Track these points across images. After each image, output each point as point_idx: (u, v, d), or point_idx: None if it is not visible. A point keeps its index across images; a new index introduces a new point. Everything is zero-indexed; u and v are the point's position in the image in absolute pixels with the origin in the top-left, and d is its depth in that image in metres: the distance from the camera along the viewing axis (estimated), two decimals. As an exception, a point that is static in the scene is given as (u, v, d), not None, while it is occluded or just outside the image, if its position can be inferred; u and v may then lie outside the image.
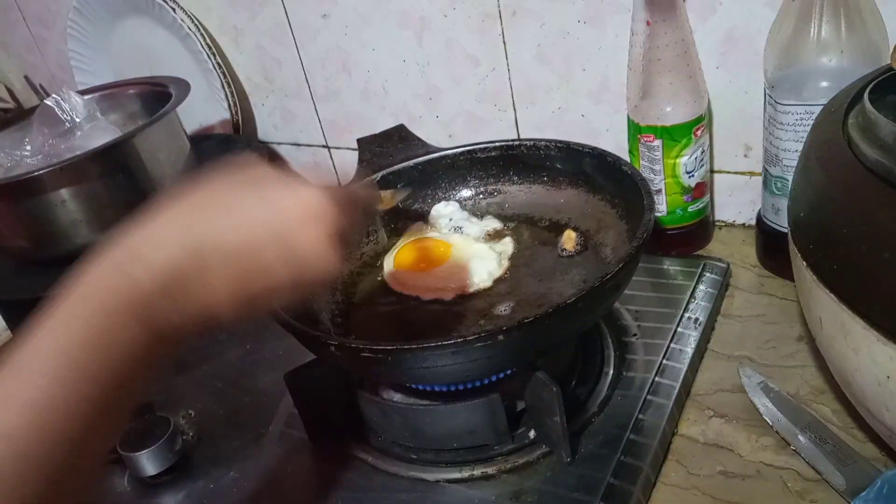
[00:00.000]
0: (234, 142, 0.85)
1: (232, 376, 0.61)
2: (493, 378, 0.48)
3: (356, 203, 0.41)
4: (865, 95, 0.39)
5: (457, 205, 0.64)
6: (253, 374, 0.61)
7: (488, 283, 0.56)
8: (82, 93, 0.82)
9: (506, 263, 0.58)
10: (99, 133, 0.76)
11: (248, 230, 0.35)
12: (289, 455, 0.52)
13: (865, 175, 0.35)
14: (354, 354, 0.43)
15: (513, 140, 0.62)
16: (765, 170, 0.57)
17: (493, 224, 0.62)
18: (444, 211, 0.63)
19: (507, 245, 0.59)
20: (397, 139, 0.66)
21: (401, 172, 0.64)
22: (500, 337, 0.40)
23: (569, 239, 0.56)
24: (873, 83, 0.42)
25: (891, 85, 0.41)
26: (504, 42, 0.70)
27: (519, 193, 0.63)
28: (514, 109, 0.74)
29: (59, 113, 0.77)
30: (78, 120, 0.77)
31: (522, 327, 0.40)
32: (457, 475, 0.47)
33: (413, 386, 0.50)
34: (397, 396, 0.50)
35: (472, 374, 0.45)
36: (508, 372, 0.48)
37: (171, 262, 0.33)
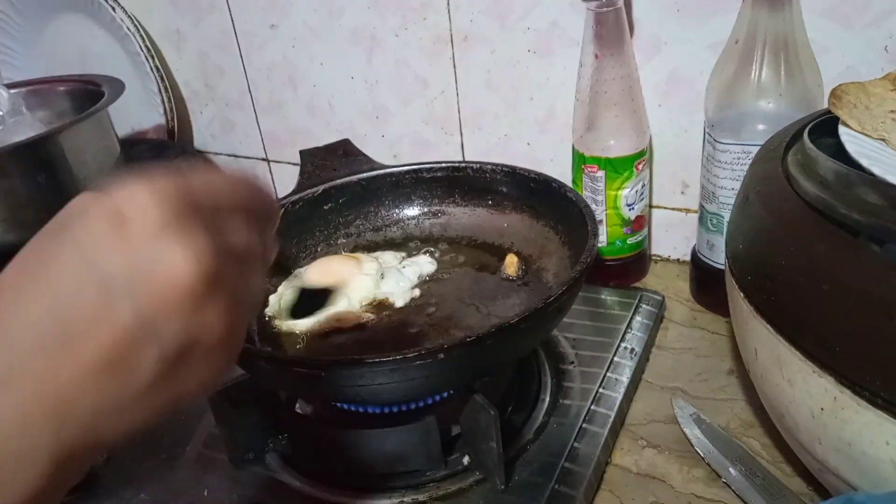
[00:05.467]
0: (168, 148, 0.82)
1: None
2: (429, 401, 0.47)
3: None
4: (805, 134, 0.41)
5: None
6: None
7: (417, 300, 0.54)
8: (9, 86, 0.77)
9: (430, 283, 0.56)
10: (23, 129, 0.71)
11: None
12: (206, 477, 0.49)
13: (805, 210, 0.36)
14: (286, 369, 0.41)
15: (459, 162, 0.62)
16: (701, 206, 0.58)
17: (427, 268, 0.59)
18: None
19: (433, 264, 0.59)
20: (342, 153, 0.64)
21: (343, 187, 0.62)
22: (441, 355, 0.39)
23: (511, 264, 0.56)
24: (812, 124, 0.43)
25: (827, 127, 0.42)
26: (454, 66, 0.70)
27: (463, 216, 0.63)
28: (461, 134, 0.74)
29: (-19, 106, 0.72)
30: (1, 113, 0.73)
31: (463, 346, 0.39)
32: (387, 502, 0.45)
33: (345, 407, 0.48)
34: (327, 418, 0.48)
35: (410, 394, 0.44)
36: (445, 395, 0.47)
37: None
